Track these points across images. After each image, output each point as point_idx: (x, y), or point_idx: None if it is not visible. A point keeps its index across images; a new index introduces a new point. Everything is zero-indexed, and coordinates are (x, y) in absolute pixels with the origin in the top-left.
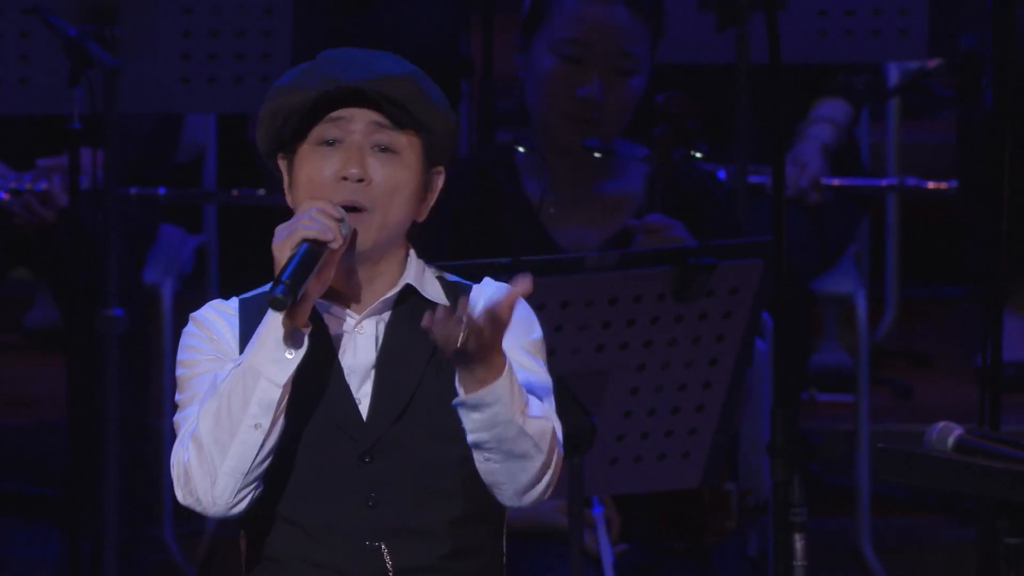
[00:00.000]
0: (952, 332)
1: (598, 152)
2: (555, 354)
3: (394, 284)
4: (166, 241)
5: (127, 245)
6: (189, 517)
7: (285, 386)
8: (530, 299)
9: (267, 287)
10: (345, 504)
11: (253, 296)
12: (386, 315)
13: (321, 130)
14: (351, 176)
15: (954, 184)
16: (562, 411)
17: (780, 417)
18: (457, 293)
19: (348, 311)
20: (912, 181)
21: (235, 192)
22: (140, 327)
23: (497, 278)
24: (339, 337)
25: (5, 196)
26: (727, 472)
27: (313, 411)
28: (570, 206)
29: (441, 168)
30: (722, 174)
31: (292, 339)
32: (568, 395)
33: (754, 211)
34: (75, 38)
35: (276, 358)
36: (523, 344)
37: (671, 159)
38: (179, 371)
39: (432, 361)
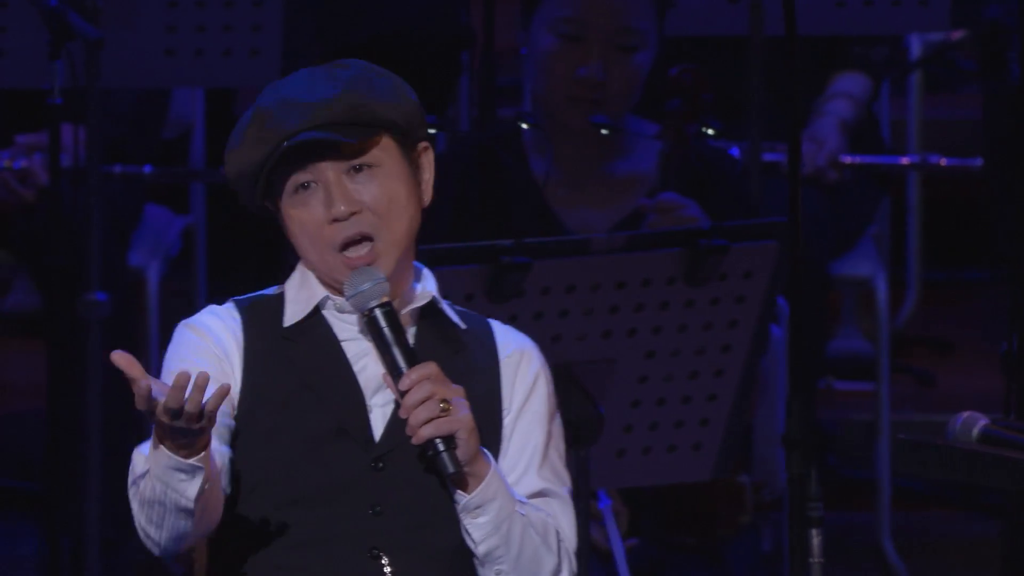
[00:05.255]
0: (977, 317)
1: (605, 129)
2: (560, 340)
3: (406, 287)
4: (152, 222)
5: (111, 226)
6: None
7: (199, 497)
8: (535, 282)
9: (267, 291)
10: (349, 511)
11: (251, 302)
12: (410, 328)
13: (292, 180)
14: (340, 215)
15: (979, 162)
16: (567, 400)
17: (796, 407)
18: (475, 323)
19: None
20: (935, 159)
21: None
22: (124, 312)
23: (501, 259)
24: (363, 344)
25: None
26: (740, 464)
27: (325, 417)
28: (579, 186)
29: (426, 144)
30: (735, 152)
31: (188, 470)
32: (574, 384)
33: (769, 190)
34: (55, 8)
35: (180, 479)
36: (556, 438)
37: (686, 135)
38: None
39: (457, 380)
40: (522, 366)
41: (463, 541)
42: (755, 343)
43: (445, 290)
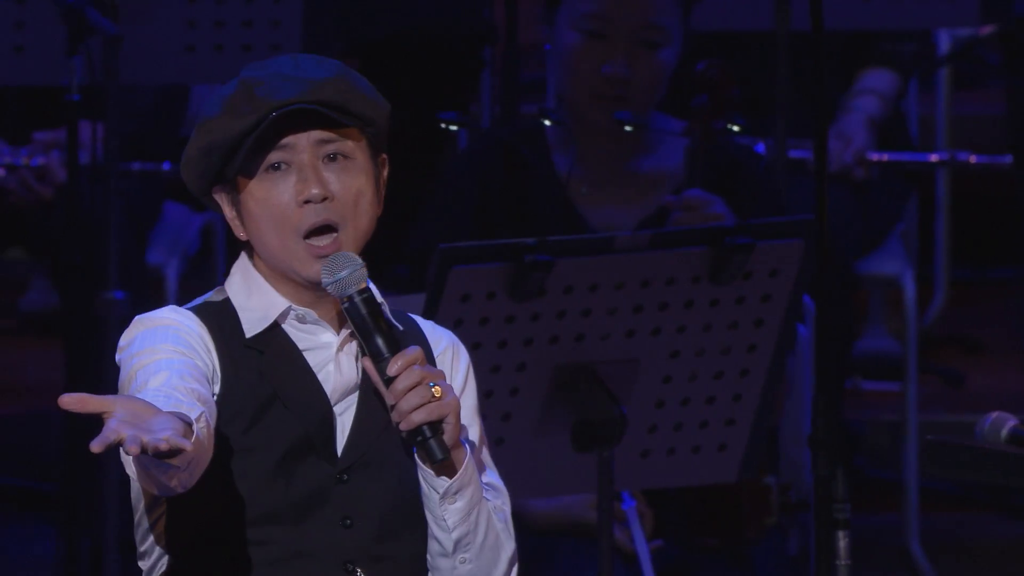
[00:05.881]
0: (1006, 316)
1: (630, 126)
2: (583, 340)
3: None
4: (170, 220)
5: (129, 224)
6: None
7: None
8: (558, 280)
9: (208, 296)
10: (320, 525)
11: (203, 308)
12: None
13: (264, 160)
14: (313, 198)
15: (1009, 159)
16: (591, 401)
17: (823, 407)
18: (406, 323)
19: (332, 329)
20: (964, 156)
21: None
22: (142, 312)
23: (524, 258)
24: (323, 354)
25: (0, 172)
26: (766, 465)
27: (294, 432)
28: (603, 184)
29: (384, 156)
30: (761, 148)
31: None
32: (597, 384)
33: (795, 188)
34: (73, 4)
35: (158, 467)
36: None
37: (712, 131)
38: (133, 361)
39: None
40: (455, 361)
41: (423, 547)
42: (781, 342)
43: (467, 288)
